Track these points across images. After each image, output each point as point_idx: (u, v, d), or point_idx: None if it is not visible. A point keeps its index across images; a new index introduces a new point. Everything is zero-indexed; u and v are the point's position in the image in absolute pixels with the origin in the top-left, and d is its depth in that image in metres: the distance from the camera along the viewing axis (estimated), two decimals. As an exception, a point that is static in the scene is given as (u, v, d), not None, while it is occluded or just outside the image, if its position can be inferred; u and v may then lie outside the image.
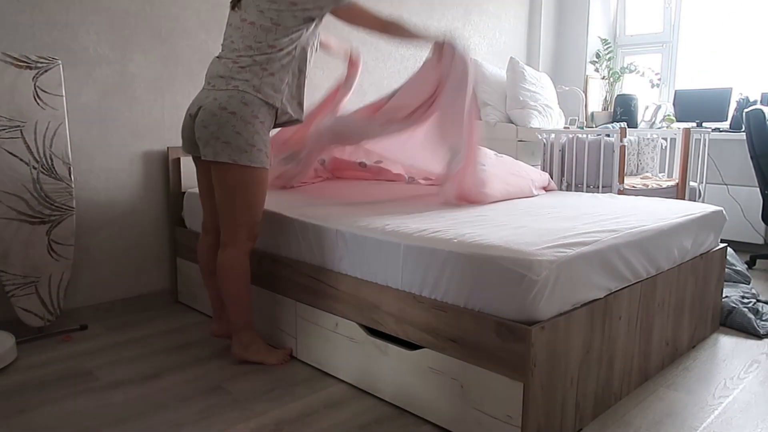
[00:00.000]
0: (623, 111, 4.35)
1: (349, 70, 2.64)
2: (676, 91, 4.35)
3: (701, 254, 2.31)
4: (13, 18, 2.29)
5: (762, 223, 3.88)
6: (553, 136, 3.61)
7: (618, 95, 4.50)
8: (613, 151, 3.32)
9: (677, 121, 4.30)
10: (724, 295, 2.67)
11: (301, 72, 2.05)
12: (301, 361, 2.15)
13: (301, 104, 2.09)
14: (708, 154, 3.55)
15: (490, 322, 1.52)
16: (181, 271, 2.81)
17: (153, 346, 2.31)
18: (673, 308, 2.13)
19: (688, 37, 4.66)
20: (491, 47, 4.50)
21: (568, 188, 3.49)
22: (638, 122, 4.40)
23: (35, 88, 2.26)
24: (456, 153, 2.23)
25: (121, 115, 2.62)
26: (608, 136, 3.44)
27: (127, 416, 1.75)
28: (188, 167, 2.80)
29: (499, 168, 2.63)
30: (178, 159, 2.78)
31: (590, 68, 4.88)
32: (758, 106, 3.44)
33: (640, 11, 4.92)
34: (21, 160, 2.24)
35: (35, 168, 2.27)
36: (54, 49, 2.39)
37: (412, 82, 2.26)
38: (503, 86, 4.22)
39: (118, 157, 2.63)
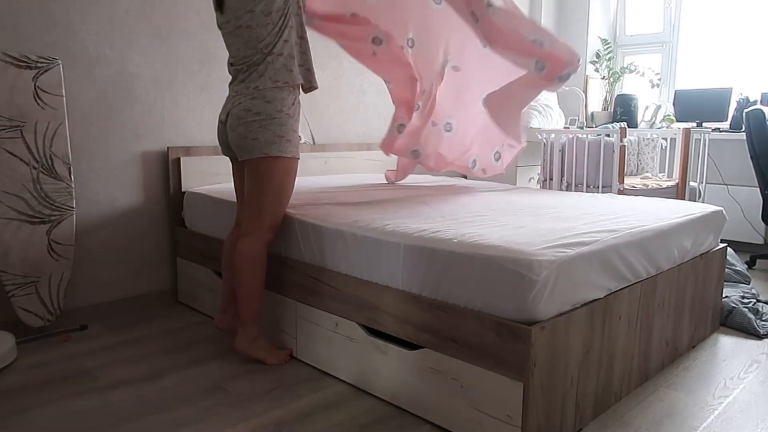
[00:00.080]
0: (623, 111, 4.35)
1: None
2: (676, 91, 4.35)
3: (701, 254, 2.31)
4: (13, 18, 2.29)
5: (762, 223, 3.88)
6: (553, 136, 3.61)
7: (618, 95, 4.51)
8: (613, 151, 3.32)
9: (677, 121, 4.30)
10: (724, 295, 2.67)
11: (303, 39, 2.10)
12: (301, 361, 2.15)
13: (310, 70, 2.13)
14: (708, 154, 3.55)
15: (490, 322, 1.52)
16: (181, 271, 2.81)
17: (153, 346, 2.31)
18: (673, 308, 2.13)
19: (688, 37, 4.66)
20: (491, 47, 4.49)
21: (568, 188, 3.49)
22: (638, 122, 4.40)
23: (35, 88, 2.26)
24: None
25: (121, 115, 2.62)
26: (608, 136, 3.44)
27: (127, 416, 1.75)
28: (188, 167, 2.80)
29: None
30: (178, 159, 2.78)
31: (590, 68, 4.88)
32: (758, 106, 3.44)
33: (640, 11, 4.92)
34: (21, 160, 2.24)
35: (35, 168, 2.27)
36: (54, 49, 2.39)
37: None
38: (503, 86, 4.21)
39: (118, 157, 2.63)
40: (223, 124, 2.10)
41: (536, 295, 1.47)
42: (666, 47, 4.74)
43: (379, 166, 3.66)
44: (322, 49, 3.33)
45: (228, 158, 2.36)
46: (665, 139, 4.06)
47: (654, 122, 4.32)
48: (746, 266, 3.31)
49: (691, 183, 3.42)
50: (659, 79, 4.67)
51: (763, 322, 2.52)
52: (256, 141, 1.98)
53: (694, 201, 3.28)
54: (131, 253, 2.72)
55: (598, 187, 3.43)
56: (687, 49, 4.67)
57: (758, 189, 3.54)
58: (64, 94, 2.34)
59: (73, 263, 2.43)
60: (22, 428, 1.68)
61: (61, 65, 2.33)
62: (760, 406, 1.85)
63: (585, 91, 4.79)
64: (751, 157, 3.40)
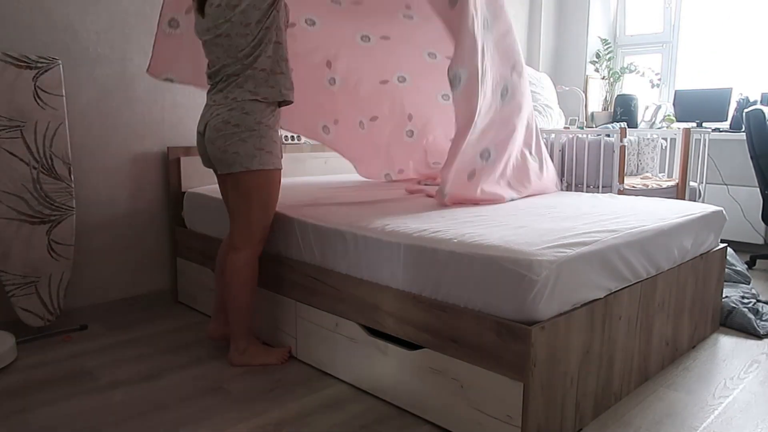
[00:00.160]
0: (623, 111, 4.35)
1: None
2: (676, 91, 4.35)
3: (701, 254, 2.31)
4: (13, 18, 2.29)
5: (762, 223, 3.87)
6: (553, 136, 3.61)
7: (618, 95, 4.50)
8: (613, 151, 3.32)
9: (677, 121, 4.30)
10: (724, 295, 2.67)
11: (285, 60, 2.03)
12: (301, 361, 2.15)
13: (288, 87, 2.05)
14: (708, 154, 3.55)
15: (490, 322, 1.52)
16: (181, 271, 2.81)
17: (153, 346, 2.31)
18: (673, 308, 2.13)
19: (688, 37, 4.66)
20: (491, 47, 4.49)
21: (568, 188, 3.49)
22: (638, 122, 4.40)
23: (35, 88, 2.26)
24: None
25: (121, 115, 2.62)
26: (608, 136, 3.44)
27: (127, 416, 1.75)
28: (188, 167, 2.80)
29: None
30: (178, 159, 2.78)
31: (590, 68, 4.88)
32: (758, 106, 3.44)
33: (640, 11, 4.92)
34: (21, 160, 2.24)
35: (35, 168, 2.27)
36: (54, 49, 2.39)
37: None
38: (503, 86, 4.22)
39: (118, 157, 2.63)
40: (201, 135, 2.04)
41: (536, 295, 1.46)
42: (666, 47, 4.74)
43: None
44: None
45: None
46: (665, 139, 4.06)
47: (654, 122, 4.32)
48: (746, 266, 3.31)
49: (691, 183, 3.42)
50: (659, 79, 4.67)
51: (763, 322, 2.52)
52: (237, 155, 1.93)
53: (694, 201, 3.28)
54: (131, 253, 2.72)
55: (598, 187, 3.43)
56: (687, 49, 4.67)
57: (758, 189, 3.53)
58: (64, 94, 2.34)
59: (73, 263, 2.43)
60: (22, 428, 1.68)
61: (61, 65, 2.33)
62: (760, 406, 1.85)
63: (585, 91, 4.79)
64: (751, 157, 3.40)
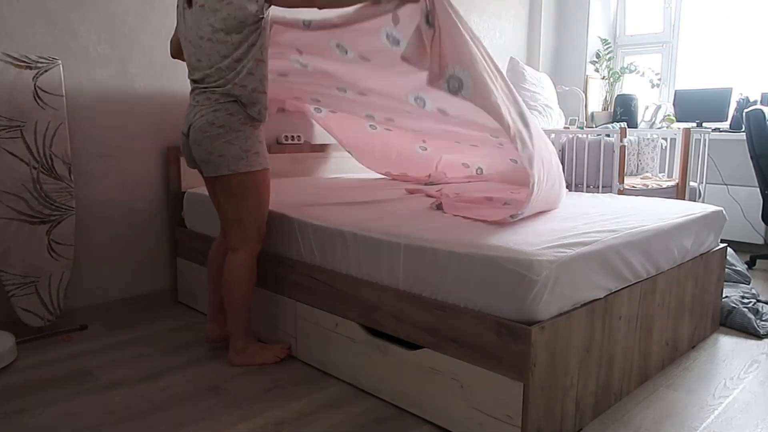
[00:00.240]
0: (623, 111, 4.35)
1: None
2: (676, 91, 4.35)
3: (701, 254, 2.31)
4: (13, 18, 2.29)
5: (762, 223, 3.87)
6: (553, 136, 3.61)
7: (618, 95, 4.50)
8: (613, 151, 3.32)
9: (677, 121, 4.30)
10: (724, 295, 2.67)
11: (264, 71, 2.00)
12: (301, 361, 2.15)
13: (266, 97, 2.02)
14: (708, 154, 3.55)
15: (490, 322, 1.52)
16: (181, 271, 2.81)
17: (153, 346, 2.31)
18: (673, 308, 2.13)
19: (688, 37, 4.66)
20: (491, 47, 4.49)
21: (568, 188, 3.49)
22: (638, 122, 4.40)
23: (35, 88, 2.26)
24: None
25: (121, 115, 2.62)
26: (608, 136, 3.44)
27: (127, 416, 1.75)
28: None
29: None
30: (178, 159, 2.78)
31: (590, 68, 4.88)
32: (758, 106, 3.44)
33: (640, 11, 4.92)
34: (21, 160, 2.24)
35: (35, 168, 2.27)
36: (54, 49, 2.39)
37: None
38: (503, 86, 4.22)
39: (118, 157, 2.63)
40: (185, 136, 2.01)
41: (536, 295, 1.46)
42: (666, 47, 4.74)
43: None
44: (322, 49, 3.33)
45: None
46: (665, 139, 4.06)
47: (654, 122, 4.32)
48: (746, 266, 3.31)
49: (691, 183, 3.42)
50: (659, 79, 4.67)
51: (763, 322, 2.52)
52: (223, 158, 1.91)
53: (694, 201, 3.28)
54: (131, 253, 2.72)
55: (598, 187, 3.43)
56: (687, 49, 4.67)
57: (758, 189, 3.53)
58: (64, 94, 2.34)
59: (73, 263, 2.43)
60: (22, 428, 1.68)
61: (61, 65, 2.33)
62: (760, 406, 1.85)
63: (585, 91, 4.79)
64: (751, 157, 3.40)
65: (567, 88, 4.43)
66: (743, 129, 3.59)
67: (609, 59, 4.88)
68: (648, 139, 3.93)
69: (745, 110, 3.40)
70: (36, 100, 2.26)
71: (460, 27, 1.83)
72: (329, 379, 2.01)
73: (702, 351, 2.31)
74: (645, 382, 2.01)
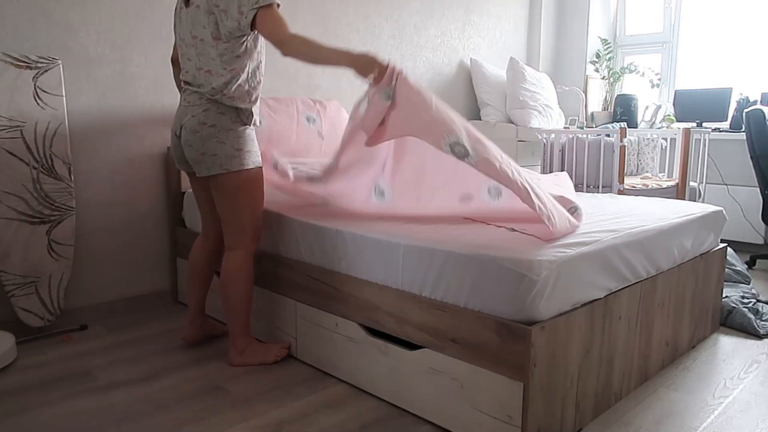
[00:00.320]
0: (623, 111, 4.35)
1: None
2: (676, 91, 4.35)
3: (701, 254, 2.31)
4: (13, 18, 2.29)
5: (762, 223, 3.87)
6: (553, 136, 3.61)
7: (618, 95, 4.50)
8: (613, 151, 3.32)
9: (677, 121, 4.30)
10: (724, 295, 2.67)
11: (257, 70, 1.99)
12: (301, 361, 2.15)
13: (255, 107, 2.01)
14: (708, 154, 3.55)
15: (490, 322, 1.52)
16: (181, 271, 2.81)
17: (153, 346, 2.31)
18: (673, 308, 2.13)
19: (688, 37, 4.66)
20: (491, 47, 4.50)
21: (568, 188, 3.49)
22: (638, 122, 4.40)
23: (35, 88, 2.26)
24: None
25: (121, 115, 2.62)
26: (608, 136, 3.44)
27: (127, 416, 1.75)
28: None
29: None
30: (178, 159, 2.77)
31: (590, 68, 4.88)
32: (758, 106, 3.44)
33: (640, 11, 4.92)
34: (21, 160, 2.24)
35: (35, 168, 2.27)
36: (54, 49, 2.39)
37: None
38: (503, 86, 4.22)
39: (118, 157, 2.63)
40: (177, 137, 2.00)
41: (536, 295, 1.46)
42: (666, 47, 4.74)
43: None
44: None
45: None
46: (665, 139, 4.06)
47: (654, 122, 4.32)
48: (746, 266, 3.31)
49: (691, 183, 3.42)
50: (659, 79, 4.67)
51: (763, 322, 2.52)
52: (216, 157, 1.90)
53: (694, 201, 3.28)
54: (131, 253, 2.72)
55: (598, 187, 3.43)
56: (687, 49, 4.67)
57: (758, 189, 3.53)
58: (64, 94, 2.34)
59: (73, 263, 2.43)
60: (22, 428, 1.68)
61: (61, 65, 2.33)
62: (760, 406, 1.85)
63: (585, 91, 4.79)
64: (751, 157, 3.40)
65: (567, 88, 4.43)
66: (743, 129, 3.59)
67: (609, 59, 4.88)
68: (648, 139, 3.93)
69: (745, 110, 3.40)
70: (36, 100, 2.26)
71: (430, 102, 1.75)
72: (329, 379, 2.01)
73: (702, 351, 2.31)
74: (645, 382, 2.01)
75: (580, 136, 3.48)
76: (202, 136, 1.90)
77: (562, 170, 3.53)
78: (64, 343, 2.34)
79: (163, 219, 2.81)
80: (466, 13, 4.23)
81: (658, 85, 4.66)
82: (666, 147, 4.08)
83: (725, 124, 4.19)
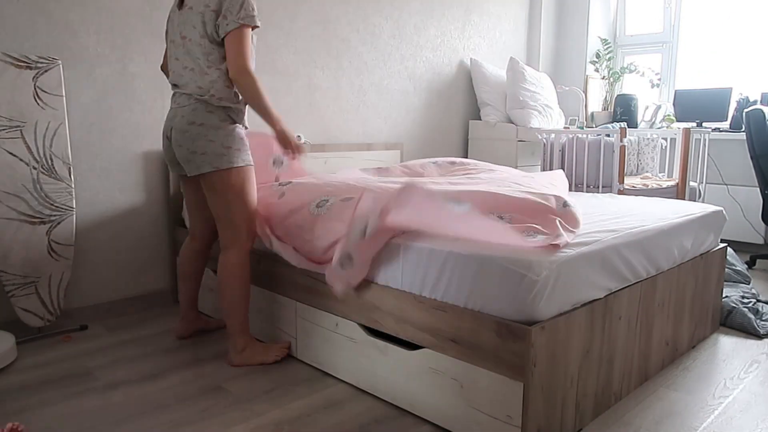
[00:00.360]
0: (623, 111, 4.35)
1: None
2: (676, 91, 4.35)
3: (701, 254, 2.31)
4: (13, 18, 2.29)
5: (762, 223, 3.87)
6: (553, 136, 3.61)
7: (618, 95, 4.50)
8: (613, 151, 3.32)
9: (677, 121, 4.30)
10: (724, 295, 2.67)
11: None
12: (301, 361, 2.15)
13: (242, 108, 2.05)
14: (708, 154, 3.55)
15: (490, 322, 1.52)
16: (181, 271, 2.81)
17: (153, 346, 2.31)
18: (673, 308, 2.13)
19: (688, 37, 4.66)
20: (491, 47, 4.50)
21: (568, 188, 3.49)
22: (638, 122, 4.40)
23: (35, 88, 2.26)
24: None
25: (121, 115, 2.62)
26: (608, 136, 3.44)
27: (127, 416, 1.75)
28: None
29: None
30: (178, 159, 2.77)
31: (590, 68, 4.88)
32: (758, 106, 3.44)
33: (640, 11, 4.92)
34: (21, 160, 2.24)
35: (35, 168, 2.27)
36: (54, 49, 2.39)
37: None
38: (503, 86, 4.22)
39: (118, 157, 2.63)
40: (168, 140, 2.04)
41: (536, 295, 1.46)
42: (666, 47, 4.74)
43: (379, 167, 3.66)
44: (322, 49, 3.34)
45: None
46: (665, 139, 4.06)
47: (654, 122, 4.32)
48: (746, 266, 3.31)
49: (691, 183, 3.42)
50: (659, 79, 4.67)
51: (763, 322, 2.52)
52: (205, 155, 1.93)
53: (694, 201, 3.28)
54: (131, 253, 2.72)
55: (598, 187, 3.43)
56: (687, 49, 4.67)
57: (758, 189, 3.54)
58: (64, 94, 2.34)
59: (73, 263, 2.43)
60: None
61: (61, 65, 2.33)
62: (760, 406, 1.85)
63: (585, 91, 4.79)
64: (751, 157, 3.40)
65: (567, 88, 4.43)
66: (743, 129, 3.59)
67: (609, 59, 4.88)
68: (648, 139, 3.93)
69: (745, 110, 3.40)
70: (36, 100, 2.26)
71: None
72: (329, 379, 2.01)
73: (702, 351, 2.31)
74: (645, 382, 2.01)
75: (580, 136, 3.48)
76: (192, 135, 1.93)
77: (562, 170, 3.53)
78: (64, 343, 2.34)
79: (162, 219, 2.81)
80: (466, 13, 4.23)
81: (658, 85, 4.67)
82: (666, 147, 4.08)
83: (725, 124, 4.19)
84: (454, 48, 4.18)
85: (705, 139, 3.44)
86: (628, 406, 1.83)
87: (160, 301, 2.81)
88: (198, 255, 2.27)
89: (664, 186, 3.30)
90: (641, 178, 3.60)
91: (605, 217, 2.05)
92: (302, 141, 3.31)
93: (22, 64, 2.23)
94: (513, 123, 4.13)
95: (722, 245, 2.49)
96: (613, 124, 4.08)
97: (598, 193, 3.33)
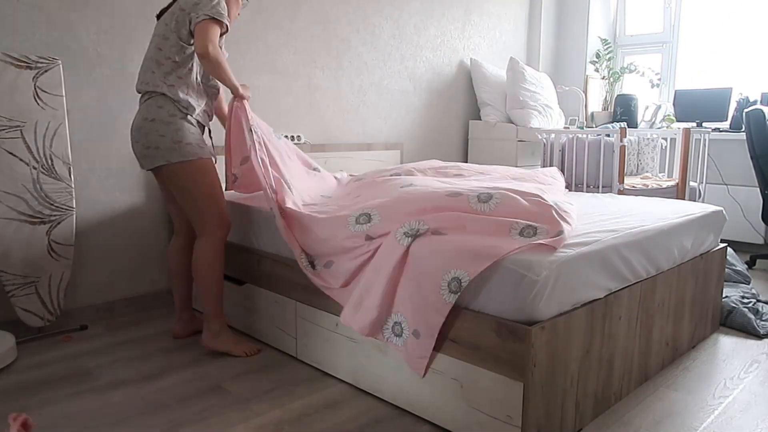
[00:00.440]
0: (623, 111, 4.35)
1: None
2: (676, 91, 4.35)
3: (701, 254, 2.31)
4: (13, 18, 2.29)
5: (762, 223, 3.87)
6: (553, 136, 3.61)
7: (618, 95, 4.51)
8: (613, 151, 3.32)
9: (677, 121, 4.30)
10: (724, 295, 2.67)
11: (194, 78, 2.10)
12: (301, 361, 2.15)
13: (196, 102, 2.10)
14: (708, 154, 3.55)
15: (490, 322, 1.52)
16: (181, 271, 2.81)
17: (153, 346, 2.31)
18: (673, 308, 2.13)
19: (688, 37, 4.66)
20: (491, 47, 4.50)
21: (568, 188, 3.49)
22: (638, 122, 4.40)
23: (35, 88, 2.26)
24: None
25: (121, 115, 2.62)
26: (608, 136, 3.44)
27: (127, 416, 1.75)
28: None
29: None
30: (178, 159, 2.77)
31: (590, 68, 4.88)
32: (758, 106, 3.44)
33: (640, 11, 4.92)
34: (21, 160, 2.24)
35: (35, 168, 2.27)
36: (54, 49, 2.39)
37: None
38: (503, 86, 4.22)
39: (118, 157, 2.63)
40: (132, 140, 2.13)
41: (536, 295, 1.46)
42: (666, 47, 4.74)
43: (379, 167, 3.66)
44: (322, 49, 3.34)
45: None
46: (665, 139, 4.06)
47: (654, 122, 4.33)
48: (746, 266, 3.31)
49: (691, 183, 3.42)
50: (659, 79, 4.67)
51: (763, 322, 2.52)
52: (158, 150, 2.00)
53: (694, 201, 3.28)
54: (131, 253, 2.72)
55: (598, 187, 3.43)
56: (687, 49, 4.67)
57: (758, 189, 3.54)
58: (64, 94, 2.34)
59: (73, 263, 2.43)
60: (22, 428, 1.68)
61: (61, 65, 2.33)
62: (760, 406, 1.85)
63: (585, 91, 4.79)
64: (751, 157, 3.40)
65: (567, 88, 4.43)
66: (743, 129, 3.59)
67: (609, 59, 4.88)
68: (648, 139, 3.93)
69: (745, 110, 3.40)
70: (36, 100, 2.26)
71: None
72: (329, 379, 2.01)
73: (702, 351, 2.31)
74: (645, 382, 2.01)
75: (580, 136, 3.48)
76: (145, 130, 2.01)
77: (562, 170, 3.53)
78: (64, 343, 2.34)
79: (162, 219, 2.81)
80: (466, 13, 4.23)
81: (658, 85, 4.67)
82: (666, 147, 4.08)
83: (725, 124, 4.19)
84: (454, 48, 4.18)
85: (705, 139, 3.44)
86: (628, 406, 1.83)
87: (160, 301, 2.81)
88: (183, 251, 2.32)
89: (664, 186, 3.30)
90: (641, 178, 3.60)
91: (605, 217, 2.05)
92: (302, 141, 3.31)
93: (22, 64, 2.23)
94: (513, 123, 4.13)
95: (722, 245, 2.49)
96: (613, 124, 4.08)
97: (598, 193, 3.33)
